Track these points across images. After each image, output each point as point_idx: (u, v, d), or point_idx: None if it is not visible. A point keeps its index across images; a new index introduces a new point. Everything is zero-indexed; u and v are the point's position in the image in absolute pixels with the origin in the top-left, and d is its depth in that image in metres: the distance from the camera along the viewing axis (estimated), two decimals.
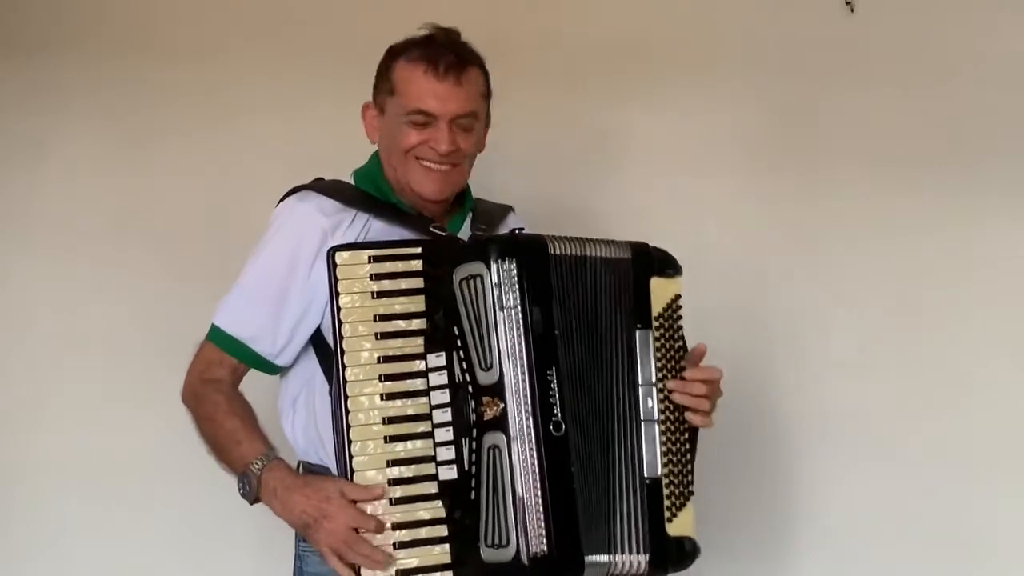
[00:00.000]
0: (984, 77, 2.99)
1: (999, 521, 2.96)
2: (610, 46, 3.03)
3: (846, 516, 2.99)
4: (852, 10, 3.00)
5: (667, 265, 2.02)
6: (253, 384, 2.12)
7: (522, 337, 1.87)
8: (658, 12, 3.05)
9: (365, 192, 2.11)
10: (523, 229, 2.13)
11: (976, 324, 2.98)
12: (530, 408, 1.85)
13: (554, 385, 1.87)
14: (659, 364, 1.97)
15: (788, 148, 3.04)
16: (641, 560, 1.91)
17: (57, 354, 2.96)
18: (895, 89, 3.01)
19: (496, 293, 1.87)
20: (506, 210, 2.25)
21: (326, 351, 1.98)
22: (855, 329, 3.01)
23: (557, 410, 1.87)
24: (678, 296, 2.02)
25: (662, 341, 1.98)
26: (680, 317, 2.01)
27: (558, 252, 1.93)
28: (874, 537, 2.98)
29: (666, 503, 1.94)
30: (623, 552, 1.91)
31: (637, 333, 1.97)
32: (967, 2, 3.01)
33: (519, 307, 1.87)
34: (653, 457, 1.94)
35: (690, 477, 1.97)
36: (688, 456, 1.98)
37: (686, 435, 1.98)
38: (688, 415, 1.98)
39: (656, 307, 1.99)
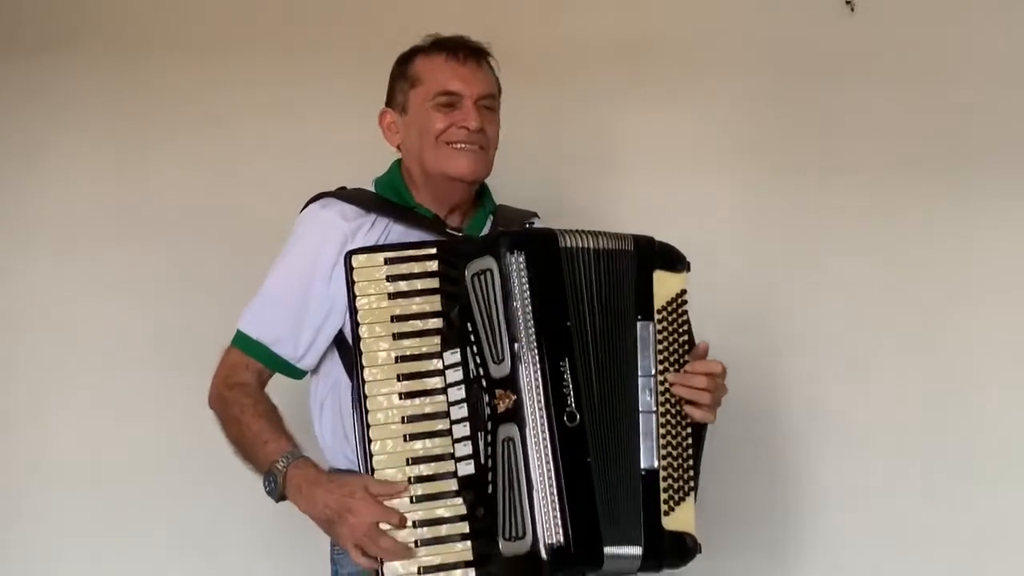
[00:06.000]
0: (984, 77, 3.00)
1: (999, 521, 2.96)
2: (610, 45, 3.04)
3: (847, 515, 2.99)
4: (852, 10, 3.01)
5: (672, 259, 2.02)
6: (285, 389, 2.14)
7: (532, 328, 1.86)
8: (658, 12, 3.06)
9: (385, 198, 2.13)
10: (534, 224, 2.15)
11: (978, 324, 2.98)
12: (542, 399, 1.84)
13: (567, 376, 1.86)
14: (661, 357, 1.96)
15: (788, 148, 3.04)
16: (632, 552, 1.88)
17: (57, 354, 2.95)
18: (895, 89, 3.01)
19: (506, 286, 1.88)
20: (529, 215, 2.26)
21: (349, 353, 1.99)
22: (855, 328, 3.01)
23: (571, 400, 1.86)
24: (683, 291, 2.01)
25: (665, 334, 1.97)
26: (685, 312, 2.00)
27: (568, 245, 1.93)
28: (874, 536, 2.98)
29: (663, 496, 1.92)
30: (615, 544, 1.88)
31: (638, 324, 1.96)
32: (967, 2, 3.01)
33: (528, 299, 1.87)
34: (650, 448, 1.92)
35: (691, 473, 1.95)
36: (689, 451, 1.96)
37: (688, 430, 1.97)
38: (688, 408, 1.96)
39: (659, 300, 1.98)
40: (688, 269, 2.02)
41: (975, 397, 2.99)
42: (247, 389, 2.06)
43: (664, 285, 1.99)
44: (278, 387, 2.13)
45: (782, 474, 3.02)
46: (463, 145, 2.07)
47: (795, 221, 3.04)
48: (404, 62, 2.15)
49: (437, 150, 2.08)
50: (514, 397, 1.84)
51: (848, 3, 3.00)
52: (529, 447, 1.83)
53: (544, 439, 1.83)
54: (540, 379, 1.85)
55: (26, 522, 2.93)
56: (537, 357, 1.86)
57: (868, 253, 3.03)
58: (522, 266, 1.88)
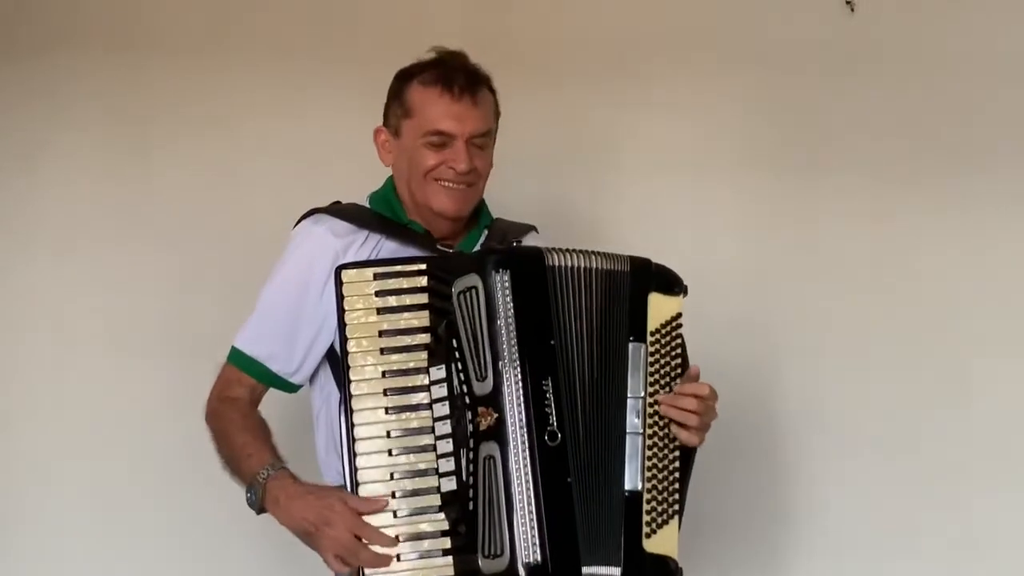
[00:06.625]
0: (984, 77, 2.99)
1: (999, 521, 2.96)
2: (610, 45, 3.04)
3: (847, 515, 2.99)
4: (852, 10, 3.00)
5: (668, 282, 2.00)
6: (282, 402, 2.15)
7: (515, 347, 1.87)
8: (658, 12, 3.05)
9: (378, 214, 2.14)
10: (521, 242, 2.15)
11: (977, 324, 2.98)
12: (524, 418, 1.85)
13: (550, 395, 1.87)
14: (652, 379, 1.95)
15: (788, 148, 3.04)
16: (611, 573, 1.88)
17: (57, 354, 2.96)
18: (895, 89, 3.01)
19: (490, 304, 1.89)
20: (526, 229, 2.25)
21: (340, 368, 1.99)
22: (855, 329, 3.01)
23: (553, 420, 1.86)
24: (678, 315, 1.99)
25: (657, 357, 1.96)
26: (680, 335, 1.99)
27: (556, 263, 1.93)
28: (874, 537, 2.98)
29: (646, 518, 1.91)
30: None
31: (630, 346, 1.95)
32: (967, 2, 3.01)
33: (512, 317, 1.88)
34: (635, 470, 1.92)
35: (676, 496, 1.95)
36: (676, 475, 1.95)
37: (675, 453, 1.96)
38: (675, 429, 1.95)
39: (653, 322, 1.97)
40: (685, 293, 2.01)
41: (975, 397, 2.98)
42: (237, 404, 2.08)
43: (659, 308, 1.98)
44: (277, 400, 2.14)
45: (782, 475, 3.02)
46: (450, 184, 2.08)
47: (795, 221, 3.03)
48: (401, 81, 2.13)
49: (425, 185, 2.09)
50: (496, 415, 1.85)
51: (848, 3, 3.00)
52: (509, 465, 1.84)
53: (524, 458, 1.84)
54: (522, 398, 1.86)
55: (26, 522, 2.93)
56: (519, 376, 1.86)
57: (868, 254, 3.03)
58: (507, 284, 1.89)
